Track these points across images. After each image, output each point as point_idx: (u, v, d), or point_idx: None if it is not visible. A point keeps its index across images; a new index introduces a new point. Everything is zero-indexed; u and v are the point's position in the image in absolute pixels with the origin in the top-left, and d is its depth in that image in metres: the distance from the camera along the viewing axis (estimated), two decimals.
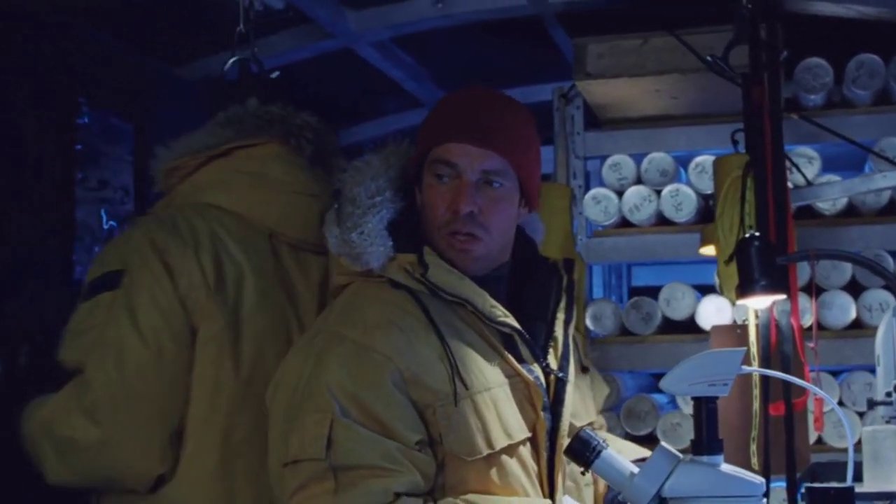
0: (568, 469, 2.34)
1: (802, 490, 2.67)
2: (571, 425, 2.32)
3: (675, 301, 4.14)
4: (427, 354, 2.19)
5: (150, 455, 2.45)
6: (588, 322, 4.17)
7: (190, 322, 2.47)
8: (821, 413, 3.48)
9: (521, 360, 2.29)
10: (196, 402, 2.48)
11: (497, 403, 2.22)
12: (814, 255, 3.07)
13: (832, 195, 3.87)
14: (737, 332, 3.57)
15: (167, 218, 2.55)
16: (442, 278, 2.24)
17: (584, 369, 2.56)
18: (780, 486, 3.42)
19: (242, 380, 2.50)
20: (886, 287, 3.76)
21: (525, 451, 2.26)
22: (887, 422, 3.05)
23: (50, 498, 2.63)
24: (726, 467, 2.11)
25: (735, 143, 3.68)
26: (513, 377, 2.27)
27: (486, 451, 2.18)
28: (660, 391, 4.37)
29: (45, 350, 2.71)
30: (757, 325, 3.36)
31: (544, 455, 2.29)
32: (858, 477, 3.10)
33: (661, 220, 4.30)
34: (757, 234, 3.06)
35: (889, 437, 3.08)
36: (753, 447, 3.35)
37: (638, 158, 4.33)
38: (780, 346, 3.30)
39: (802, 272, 3.75)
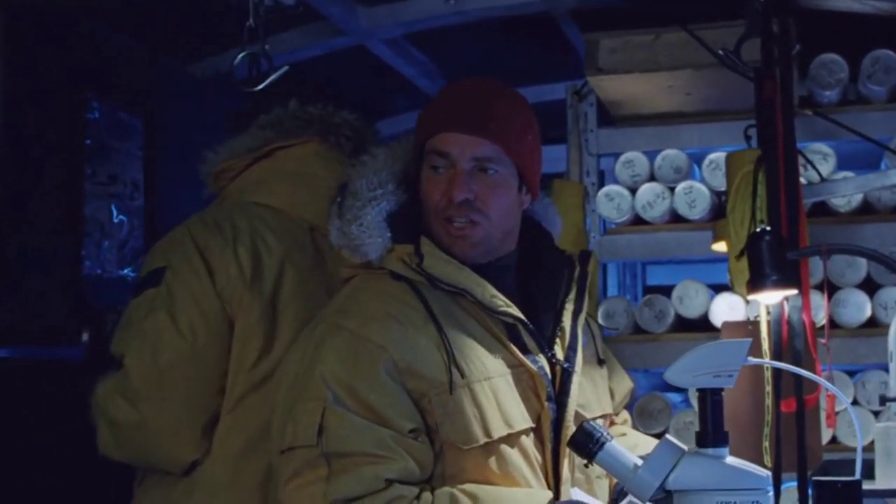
0: (577, 461, 2.32)
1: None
2: (579, 416, 2.30)
3: (689, 299, 4.11)
4: (423, 344, 2.19)
5: (184, 441, 2.56)
6: (601, 320, 4.15)
7: (228, 315, 2.57)
8: (832, 410, 3.45)
9: (525, 350, 2.27)
10: (232, 386, 2.58)
11: (497, 393, 2.21)
12: (825, 249, 3.03)
13: (846, 191, 3.83)
14: (748, 328, 3.54)
15: (210, 217, 2.66)
16: (439, 268, 2.25)
17: (600, 362, 2.54)
18: (791, 485, 3.39)
19: (277, 363, 2.55)
20: None
21: (528, 441, 2.25)
22: None
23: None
24: (731, 460, 2.07)
25: (748, 139, 3.65)
26: (516, 367, 2.26)
27: (483, 440, 2.17)
28: (673, 390, 4.35)
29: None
30: (768, 321, 3.33)
31: (549, 446, 2.28)
32: (871, 474, 3.07)
33: (675, 218, 4.27)
34: (768, 228, 3.03)
35: None
36: (765, 444, 3.32)
37: (651, 155, 4.30)
38: (791, 343, 3.27)
39: (817, 270, 3.72)
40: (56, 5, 3.52)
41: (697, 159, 4.29)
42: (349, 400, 2.14)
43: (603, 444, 2.11)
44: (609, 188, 4.30)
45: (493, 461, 2.19)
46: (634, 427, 4.01)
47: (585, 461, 2.14)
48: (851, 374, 3.96)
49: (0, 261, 3.35)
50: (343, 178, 2.60)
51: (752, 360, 2.11)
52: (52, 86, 3.53)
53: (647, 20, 3.93)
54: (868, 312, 3.90)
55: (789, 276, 3.00)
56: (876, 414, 3.81)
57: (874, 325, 3.91)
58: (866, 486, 3.17)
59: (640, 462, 2.10)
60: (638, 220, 4.32)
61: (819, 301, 3.74)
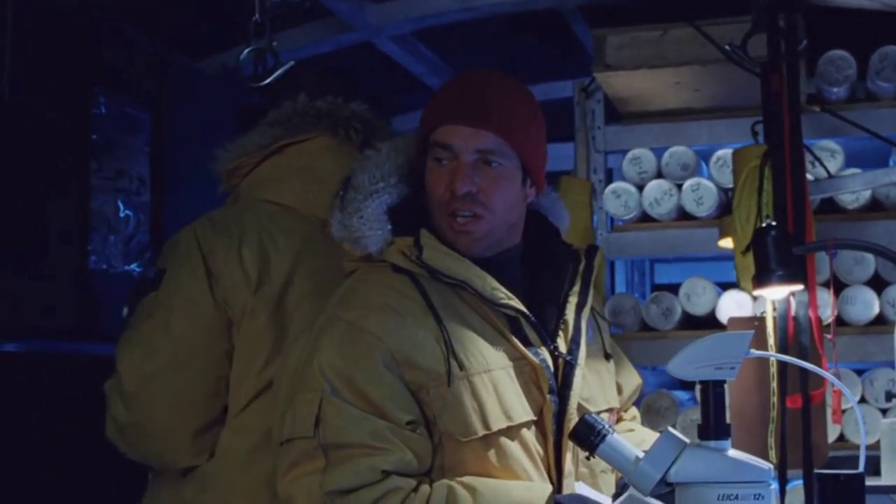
0: (581, 455, 2.31)
1: None
2: (583, 409, 2.29)
3: (696, 296, 4.10)
4: (422, 336, 2.19)
5: (175, 446, 2.57)
6: (608, 317, 4.13)
7: (229, 319, 2.55)
8: (839, 406, 3.43)
9: (527, 342, 2.27)
10: (239, 389, 2.56)
11: (497, 385, 2.20)
12: (831, 244, 3.02)
13: (853, 187, 3.81)
14: (754, 323, 3.52)
15: (219, 218, 2.64)
16: (438, 261, 2.24)
17: (607, 356, 2.53)
18: (798, 483, 3.38)
19: None
20: None
21: (529, 434, 2.24)
22: None
23: None
24: (733, 453, 2.07)
25: (755, 134, 3.64)
26: (518, 360, 2.25)
27: (481, 432, 2.17)
28: (680, 387, 4.35)
29: None
30: (774, 317, 3.31)
31: (551, 439, 2.26)
32: (877, 471, 3.07)
33: (682, 215, 4.25)
34: (774, 223, 3.02)
35: None
36: (771, 441, 3.31)
37: (659, 152, 4.29)
38: (797, 339, 3.26)
39: (824, 268, 3.70)
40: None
41: (705, 156, 4.28)
42: (346, 391, 2.14)
43: (604, 436, 2.10)
44: (616, 185, 4.29)
45: (492, 454, 2.19)
46: (641, 424, 4.02)
47: (587, 454, 2.13)
48: (860, 372, 3.95)
49: (6, 255, 3.35)
50: None
51: (755, 352, 2.10)
52: (59, 80, 3.53)
53: (655, 16, 3.92)
54: (876, 310, 3.88)
55: (795, 271, 2.99)
56: (884, 412, 3.79)
57: (882, 323, 3.89)
58: (872, 482, 3.18)
59: (641, 455, 2.09)
60: (645, 218, 4.31)
61: (826, 298, 3.72)
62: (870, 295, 3.88)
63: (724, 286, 4.14)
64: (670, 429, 2.12)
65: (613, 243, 4.38)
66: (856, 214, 4.03)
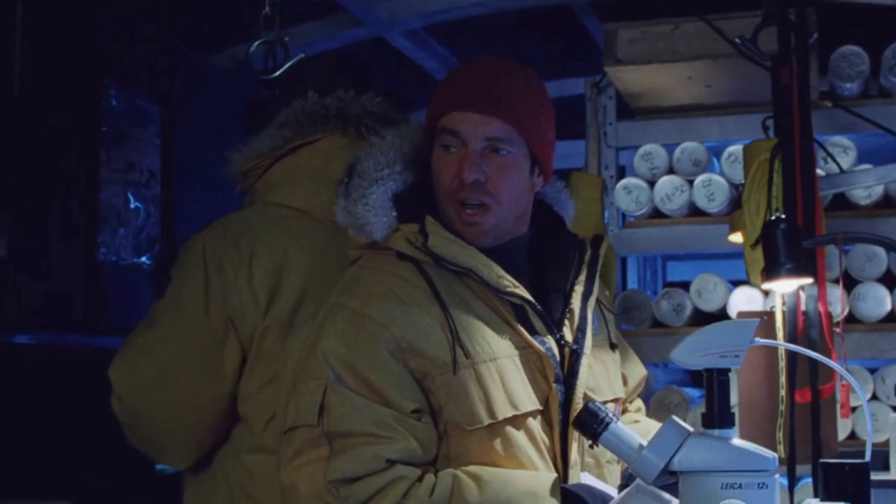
0: (587, 444, 2.30)
1: None
2: (588, 399, 2.27)
3: (707, 292, 4.08)
4: (427, 324, 2.18)
5: (170, 453, 2.60)
6: (619, 313, 4.12)
7: (234, 336, 2.52)
8: (847, 400, 3.42)
9: (533, 331, 2.25)
10: (255, 407, 2.54)
11: (503, 374, 2.19)
12: (840, 238, 3.00)
13: (865, 182, 3.79)
14: (763, 318, 3.50)
15: (231, 228, 2.59)
16: (444, 248, 2.23)
17: (612, 346, 2.51)
18: (807, 481, 3.37)
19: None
20: None
21: (535, 423, 2.23)
22: None
23: None
24: (737, 441, 2.05)
25: (766, 129, 3.62)
26: (524, 348, 2.24)
27: (487, 421, 2.16)
28: (691, 384, 4.33)
29: None
30: (783, 311, 3.30)
31: (557, 429, 2.25)
32: (886, 465, 3.05)
33: (693, 211, 4.24)
34: (783, 216, 3.00)
35: None
36: (779, 435, 3.29)
37: (670, 148, 4.28)
38: (807, 333, 3.24)
39: (835, 264, 3.69)
40: None
41: (717, 152, 4.27)
42: (350, 379, 2.12)
43: (608, 424, 2.08)
44: (627, 181, 4.28)
45: (497, 443, 2.18)
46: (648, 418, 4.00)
47: (590, 442, 2.12)
48: (872, 370, 3.92)
49: (16, 247, 3.35)
50: None
51: (760, 340, 2.08)
52: (70, 72, 3.53)
53: (666, 10, 3.91)
54: (888, 307, 3.86)
55: (804, 264, 2.97)
56: (895, 409, 3.77)
57: (894, 320, 3.87)
58: (882, 476, 3.16)
59: (645, 443, 2.08)
60: (656, 214, 4.30)
61: (838, 295, 3.70)
62: (882, 292, 3.86)
63: (736, 283, 4.13)
64: (674, 417, 2.10)
65: (625, 239, 4.37)
66: (868, 210, 4.01)
